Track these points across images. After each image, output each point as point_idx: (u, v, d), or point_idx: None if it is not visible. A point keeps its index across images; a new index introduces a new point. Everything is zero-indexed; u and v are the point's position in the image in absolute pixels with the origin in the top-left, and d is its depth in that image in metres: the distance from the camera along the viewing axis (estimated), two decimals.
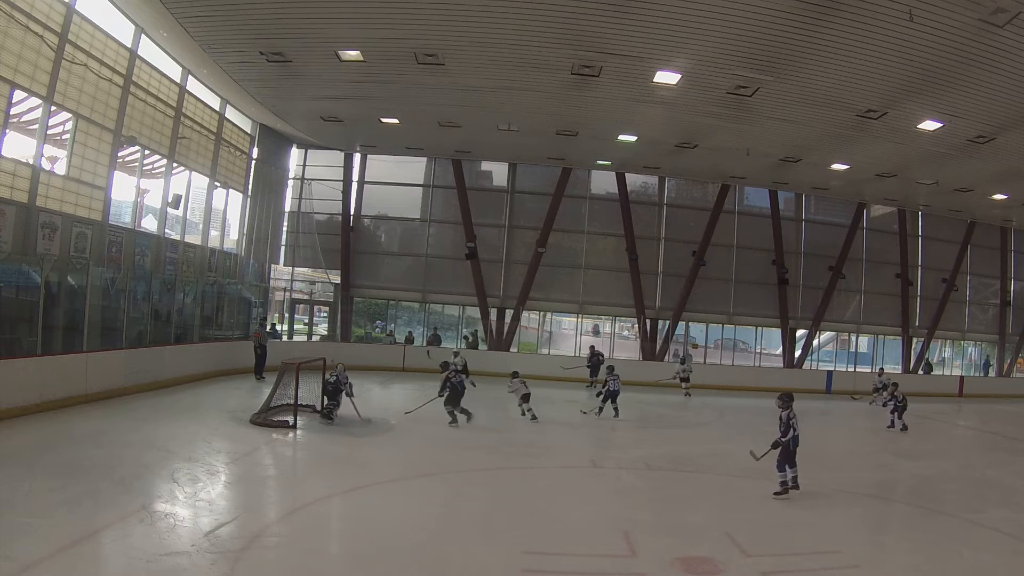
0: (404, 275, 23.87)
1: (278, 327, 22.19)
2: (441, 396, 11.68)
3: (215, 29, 12.66)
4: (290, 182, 23.03)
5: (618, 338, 25.03)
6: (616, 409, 13.37)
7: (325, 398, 11.26)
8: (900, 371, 24.89)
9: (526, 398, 12.67)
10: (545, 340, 24.53)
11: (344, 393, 11.32)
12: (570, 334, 24.64)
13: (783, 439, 8.21)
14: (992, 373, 27.34)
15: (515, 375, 13.00)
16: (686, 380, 17.68)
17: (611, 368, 13.80)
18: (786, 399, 8.43)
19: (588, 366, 18.47)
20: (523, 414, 12.64)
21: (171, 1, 11.62)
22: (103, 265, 13.48)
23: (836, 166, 19.51)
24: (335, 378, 11.25)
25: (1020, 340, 27.50)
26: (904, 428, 13.68)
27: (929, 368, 25.86)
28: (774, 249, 23.93)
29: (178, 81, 15.78)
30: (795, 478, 8.11)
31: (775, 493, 8.01)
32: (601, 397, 13.47)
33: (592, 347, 19.72)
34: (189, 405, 11.86)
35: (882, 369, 20.09)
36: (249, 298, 19.90)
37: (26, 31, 10.93)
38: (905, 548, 6.79)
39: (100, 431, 9.30)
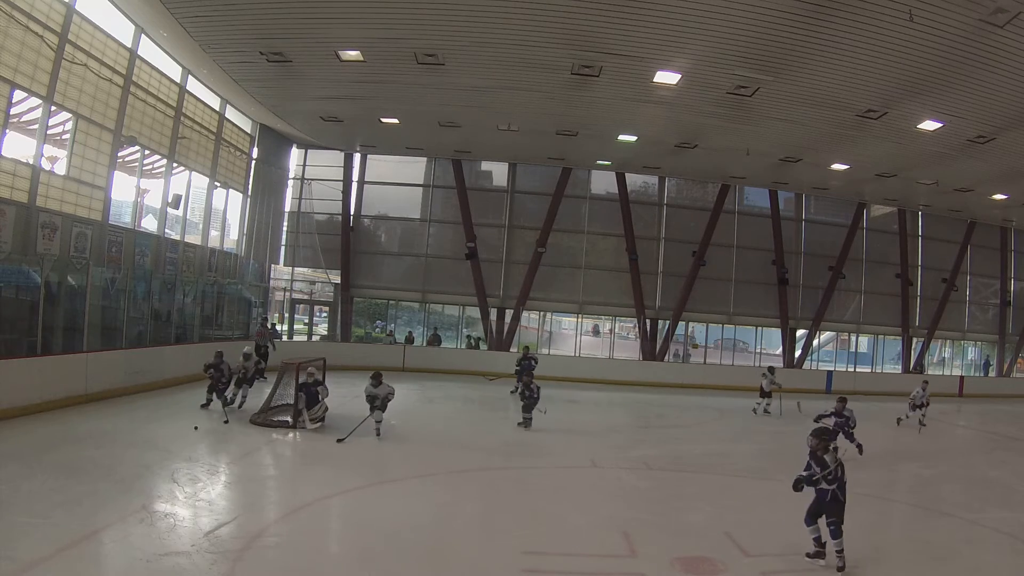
0: (404, 275, 23.88)
1: (278, 327, 22.18)
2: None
3: (215, 29, 12.67)
4: (290, 182, 23.05)
5: (618, 338, 25.04)
6: (528, 420, 11.96)
7: (304, 411, 10.55)
8: (900, 371, 24.95)
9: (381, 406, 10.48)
10: (545, 340, 24.53)
11: (322, 397, 10.73)
12: (570, 334, 24.63)
13: (831, 485, 5.97)
14: (992, 373, 27.35)
15: (377, 377, 10.65)
16: (768, 396, 15.00)
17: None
18: (827, 436, 6.20)
19: (517, 369, 16.68)
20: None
21: (171, 1, 11.63)
22: (103, 265, 13.49)
23: (836, 166, 19.52)
24: (311, 389, 10.63)
25: (1020, 340, 27.51)
26: (859, 449, 10.29)
27: (921, 370, 25.77)
28: (774, 249, 23.93)
29: (178, 81, 15.78)
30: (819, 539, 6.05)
31: (808, 554, 6.10)
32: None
33: (527, 348, 18.42)
34: (189, 405, 11.84)
35: (926, 382, 15.23)
36: (249, 298, 19.92)
37: (26, 31, 10.94)
38: (905, 548, 6.79)
39: (100, 431, 9.30)
